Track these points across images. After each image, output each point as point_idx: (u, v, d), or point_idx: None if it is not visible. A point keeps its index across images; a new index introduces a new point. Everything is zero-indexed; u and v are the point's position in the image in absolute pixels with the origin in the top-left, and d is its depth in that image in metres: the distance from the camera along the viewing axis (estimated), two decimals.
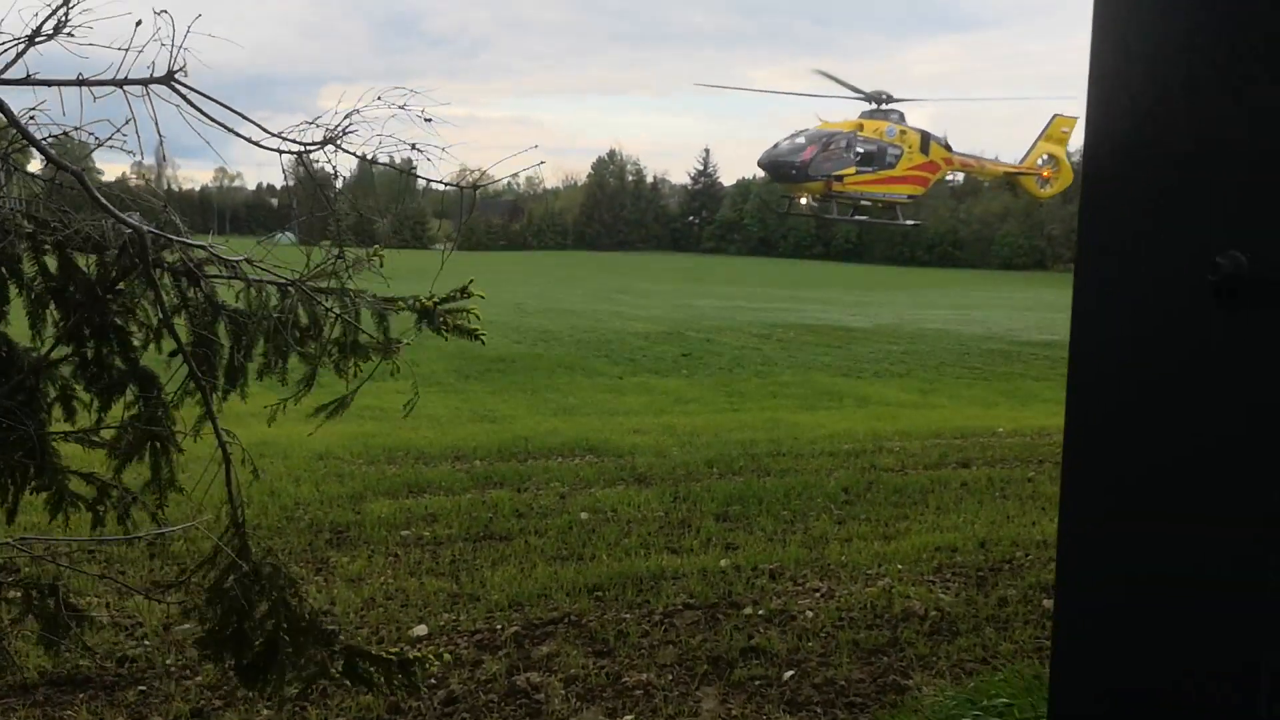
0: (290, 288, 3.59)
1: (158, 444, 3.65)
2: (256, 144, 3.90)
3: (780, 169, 31.27)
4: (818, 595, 6.57)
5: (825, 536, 7.98)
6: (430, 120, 3.69)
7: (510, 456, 11.13)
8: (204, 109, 3.65)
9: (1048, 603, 6.44)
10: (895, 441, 12.57)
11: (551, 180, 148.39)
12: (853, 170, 29.84)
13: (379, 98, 3.72)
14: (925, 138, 31.22)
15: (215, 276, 3.64)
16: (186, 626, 5.16)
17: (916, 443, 12.46)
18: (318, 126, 3.80)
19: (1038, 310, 47.68)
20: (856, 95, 30.49)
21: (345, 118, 3.74)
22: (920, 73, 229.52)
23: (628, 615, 6.12)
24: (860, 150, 30.33)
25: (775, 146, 31.28)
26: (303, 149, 3.84)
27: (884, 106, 31.01)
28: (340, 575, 6.78)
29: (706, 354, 25.34)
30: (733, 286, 62.11)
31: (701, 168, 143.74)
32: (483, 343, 3.80)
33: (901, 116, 31.18)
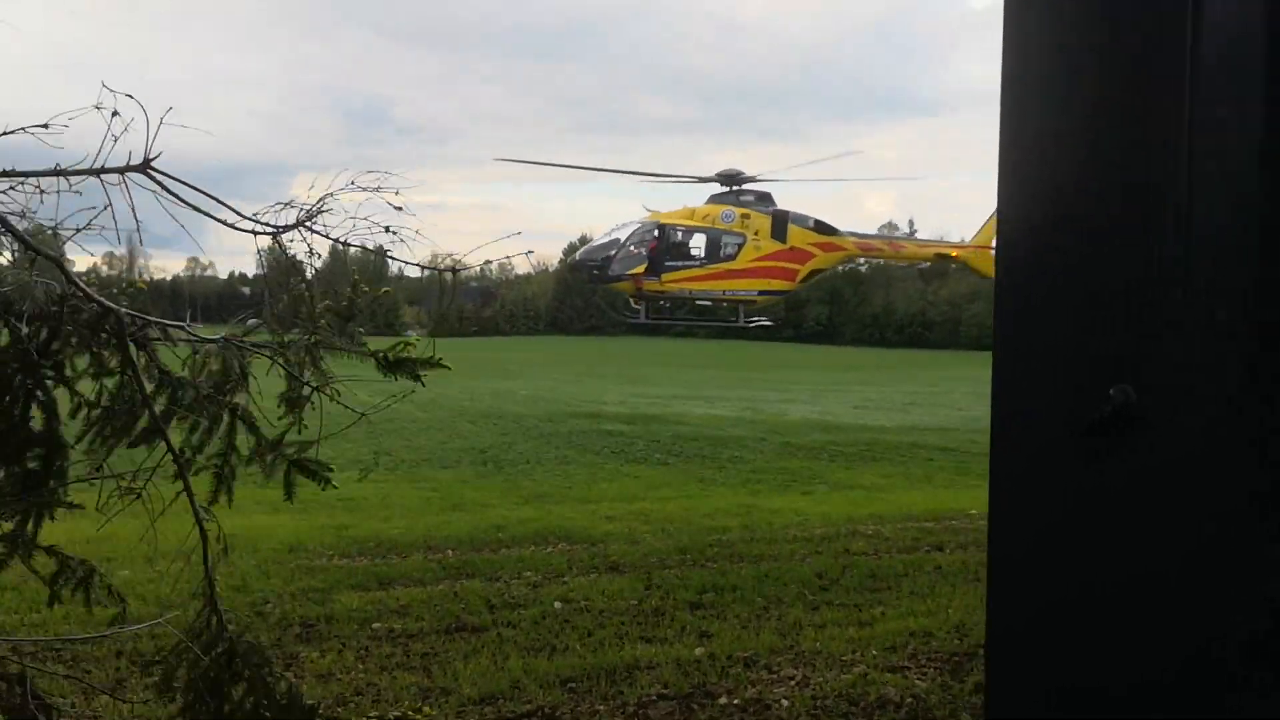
0: (225, 341, 3.64)
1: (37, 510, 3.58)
2: (232, 227, 3.94)
3: (584, 270, 26.03)
4: (793, 683, 6.53)
5: (800, 623, 7.94)
6: (401, 209, 3.77)
7: (482, 546, 11.05)
8: (180, 194, 3.72)
9: None
10: (868, 525, 12.58)
11: (523, 266, 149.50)
12: (642, 268, 24.45)
13: (352, 181, 3.80)
14: (780, 221, 25.40)
15: (158, 339, 3.67)
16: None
17: (890, 526, 12.47)
18: (292, 208, 3.86)
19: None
20: (693, 179, 25.68)
21: (320, 200, 3.81)
22: (880, 157, 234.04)
23: (601, 707, 6.05)
24: (676, 242, 25.11)
25: (588, 243, 26.38)
26: (277, 231, 3.89)
27: (736, 188, 25.61)
28: (309, 671, 6.68)
29: (679, 439, 25.33)
30: (705, 371, 62.37)
31: None
32: (422, 384, 3.80)
33: (762, 199, 25.70)
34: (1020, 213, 2.78)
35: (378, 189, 3.78)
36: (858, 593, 8.98)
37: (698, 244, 25.15)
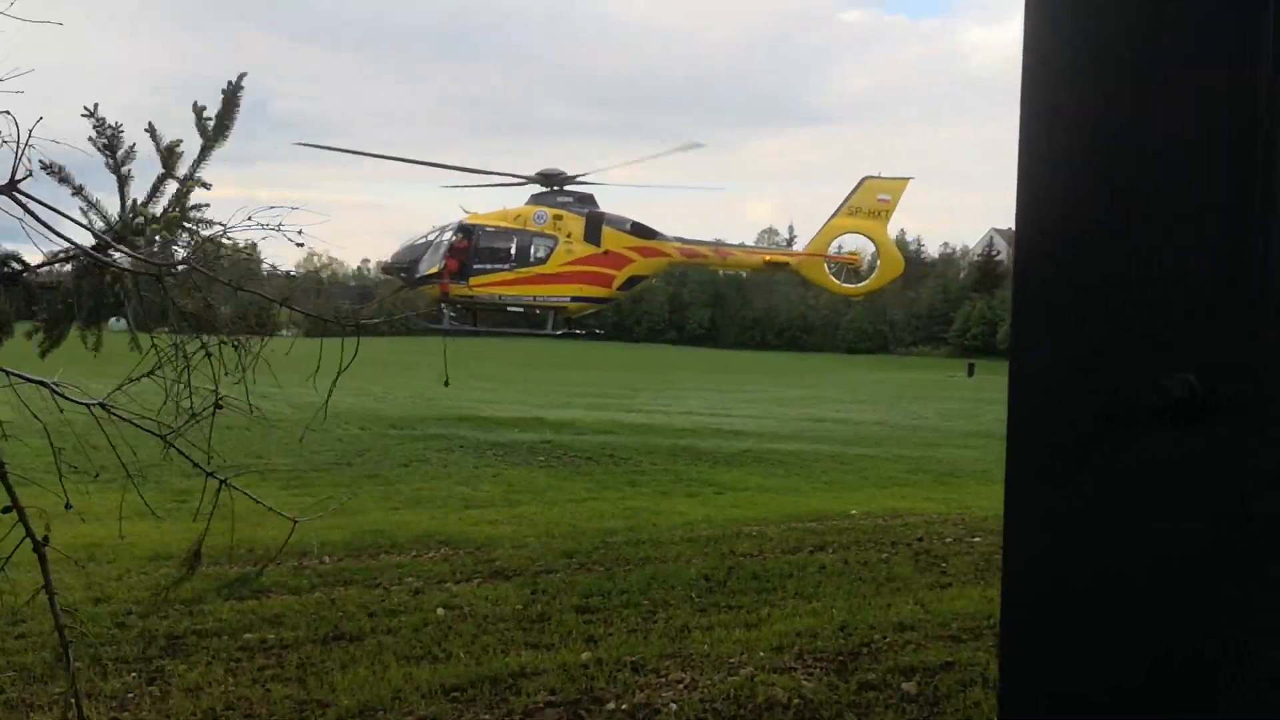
0: None
1: None
2: (112, 266, 3.72)
3: (394, 272, 24.83)
4: (681, 687, 6.46)
5: (687, 626, 7.90)
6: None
7: (360, 552, 10.71)
8: (48, 221, 3.51)
9: (907, 685, 6.49)
10: (753, 527, 12.65)
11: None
12: (436, 269, 23.53)
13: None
14: (594, 223, 23.85)
15: None
16: None
17: (773, 528, 12.56)
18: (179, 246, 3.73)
19: (875, 389, 49.40)
20: (517, 180, 24.30)
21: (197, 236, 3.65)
22: (765, 165, 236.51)
23: (487, 716, 5.89)
24: (484, 244, 23.98)
25: (403, 245, 25.03)
26: (161, 270, 3.70)
27: (556, 189, 24.31)
28: (177, 686, 6.33)
29: (562, 442, 25.14)
30: (586, 373, 62.31)
31: None
32: None
33: (582, 200, 24.27)
34: (1038, 216, 2.71)
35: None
36: (744, 594, 8.99)
37: (507, 247, 23.98)
